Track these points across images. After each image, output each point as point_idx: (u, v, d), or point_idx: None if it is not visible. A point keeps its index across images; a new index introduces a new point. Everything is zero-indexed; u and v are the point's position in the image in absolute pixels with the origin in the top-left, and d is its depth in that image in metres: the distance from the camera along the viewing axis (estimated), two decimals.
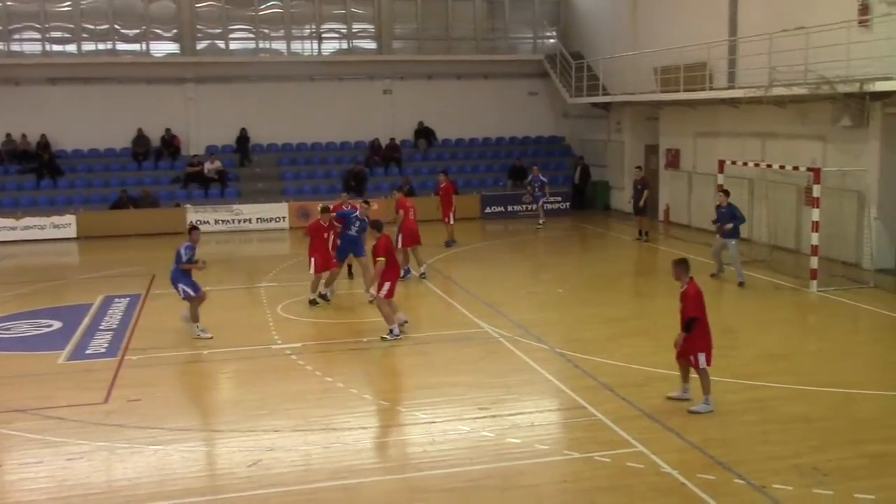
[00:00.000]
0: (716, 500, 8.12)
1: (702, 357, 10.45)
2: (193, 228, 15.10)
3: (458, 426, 10.36)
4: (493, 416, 10.58)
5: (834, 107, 19.11)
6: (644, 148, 29.70)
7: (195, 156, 30.61)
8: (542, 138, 34.36)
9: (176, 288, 14.64)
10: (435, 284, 18.69)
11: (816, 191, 17.07)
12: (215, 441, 10.24)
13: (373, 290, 14.24)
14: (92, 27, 31.48)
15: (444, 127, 33.44)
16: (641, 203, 23.96)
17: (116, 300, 17.55)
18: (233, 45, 32.79)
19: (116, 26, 31.53)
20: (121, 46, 31.76)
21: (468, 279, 19.42)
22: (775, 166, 19.43)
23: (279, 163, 31.96)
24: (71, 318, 15.98)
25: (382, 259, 13.76)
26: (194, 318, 14.54)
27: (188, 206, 28.31)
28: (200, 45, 32.35)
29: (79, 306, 17.07)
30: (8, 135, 29.88)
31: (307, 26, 33.30)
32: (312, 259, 16.71)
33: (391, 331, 14.02)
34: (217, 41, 32.54)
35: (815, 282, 17.14)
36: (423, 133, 33.20)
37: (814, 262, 17.22)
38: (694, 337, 10.41)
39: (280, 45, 33.18)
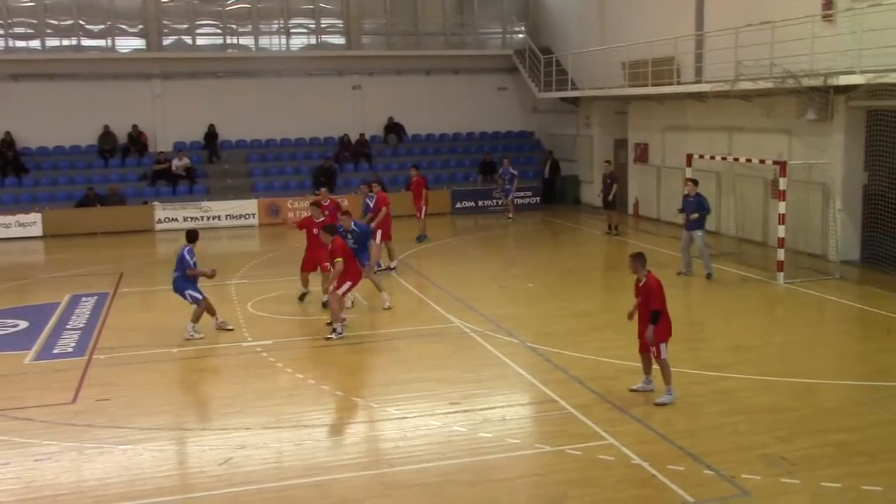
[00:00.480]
0: (686, 491, 8.21)
1: (663, 347, 10.58)
2: (194, 232, 14.90)
3: (430, 421, 10.38)
4: (465, 411, 10.60)
5: (799, 101, 19.35)
6: (613, 142, 29.88)
7: (162, 153, 30.32)
8: (512, 133, 34.45)
9: (183, 295, 14.39)
10: (406, 280, 18.68)
11: (783, 184, 17.27)
12: (186, 440, 10.18)
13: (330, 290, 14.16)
14: (56, 22, 31.07)
15: (414, 122, 33.40)
16: (611, 197, 24.12)
17: (84, 299, 17.36)
18: (200, 41, 32.51)
19: (81, 21, 31.14)
20: (86, 42, 31.38)
21: (439, 274, 19.44)
22: (742, 160, 19.63)
23: (248, 159, 31.77)
24: (37, 318, 15.78)
25: (341, 260, 13.76)
26: (196, 318, 14.32)
27: (156, 203, 28.06)
28: (167, 41, 32.05)
29: (45, 305, 16.87)
30: None
31: (275, 21, 33.11)
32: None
33: (335, 330, 13.97)
34: (184, 37, 32.26)
35: (781, 274, 17.36)
36: (393, 129, 33.15)
37: (780, 255, 17.43)
38: (655, 328, 10.52)
39: (248, 41, 32.96)
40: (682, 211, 18.34)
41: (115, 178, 29.56)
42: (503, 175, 28.24)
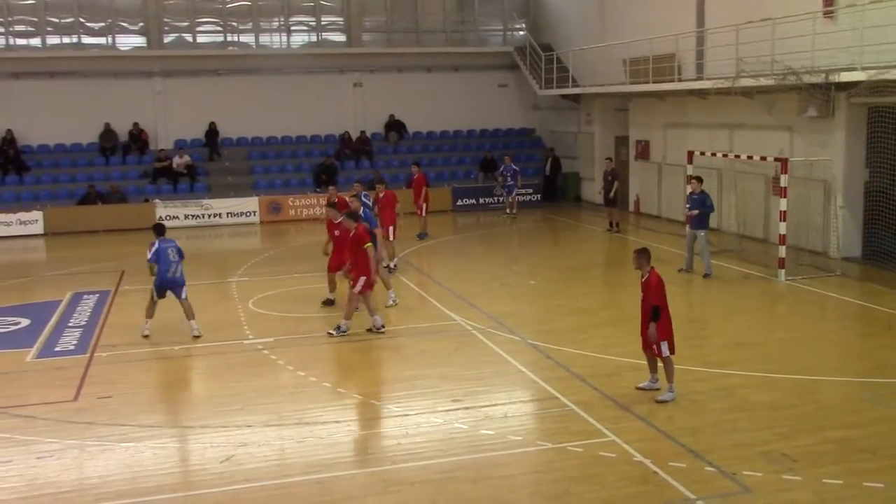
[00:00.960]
0: (687, 488, 8.21)
1: (664, 345, 10.57)
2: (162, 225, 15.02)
3: (432, 418, 10.39)
4: (467, 408, 10.61)
5: (800, 97, 19.33)
6: (614, 139, 29.86)
7: (163, 150, 30.33)
8: (513, 130, 34.44)
9: (183, 286, 14.35)
10: (407, 277, 18.68)
11: (784, 181, 17.26)
12: (187, 437, 10.18)
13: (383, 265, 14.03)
14: (57, 20, 31.07)
15: (415, 120, 33.39)
16: (612, 194, 24.11)
17: (85, 297, 17.37)
18: (200, 39, 32.51)
19: (82, 19, 31.14)
20: (86, 40, 31.41)
21: (441, 272, 19.45)
22: (743, 157, 19.62)
23: (249, 157, 31.77)
24: (39, 316, 15.80)
25: (371, 244, 13.68)
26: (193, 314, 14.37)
27: (157, 201, 28.07)
28: (167, 39, 32.06)
29: (47, 303, 16.88)
30: None
31: (275, 19, 33.09)
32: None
33: (338, 326, 13.96)
34: (184, 34, 32.26)
35: (783, 271, 17.35)
36: (394, 126, 33.14)
37: (782, 252, 17.42)
38: (658, 326, 10.52)
39: (248, 38, 32.95)
40: (689, 209, 18.27)
41: (117, 175, 29.57)
42: (505, 172, 28.28)
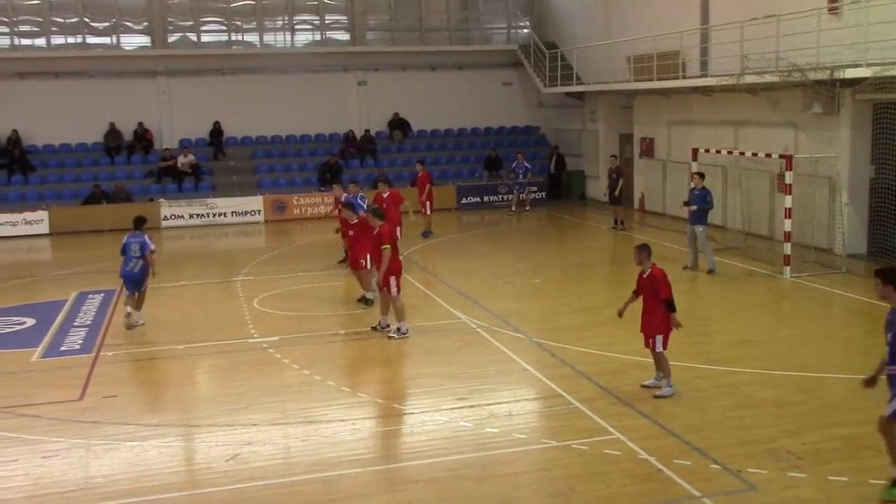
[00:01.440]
0: (692, 486, 8.20)
1: (659, 340, 10.57)
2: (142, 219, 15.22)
3: (437, 416, 10.39)
4: (471, 406, 10.61)
5: (805, 94, 19.28)
6: (619, 137, 29.83)
7: (168, 150, 30.37)
8: (517, 128, 34.42)
9: (137, 284, 14.69)
10: (412, 276, 18.66)
11: (789, 178, 17.22)
12: (193, 436, 10.19)
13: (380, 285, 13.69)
14: (61, 20, 31.14)
15: (419, 118, 33.39)
16: (617, 192, 24.09)
17: (90, 296, 17.41)
18: (205, 38, 32.56)
19: (86, 19, 31.20)
20: (91, 40, 31.47)
21: (445, 270, 19.45)
22: (748, 154, 19.59)
23: (253, 156, 31.80)
24: (45, 315, 15.84)
25: (389, 246, 13.49)
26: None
27: (162, 200, 28.11)
28: (172, 38, 32.11)
29: (52, 303, 16.92)
30: None
31: (279, 18, 33.11)
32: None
33: (399, 328, 13.63)
34: (189, 34, 32.30)
35: (788, 268, 17.32)
36: (398, 124, 33.14)
37: (787, 249, 17.39)
38: (654, 320, 10.52)
39: (252, 38, 32.98)
40: (686, 204, 18.28)
41: (122, 175, 29.63)
42: (517, 169, 28.38)
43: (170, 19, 31.99)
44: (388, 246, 13.47)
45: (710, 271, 17.76)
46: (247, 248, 24.73)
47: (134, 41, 31.90)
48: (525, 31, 34.67)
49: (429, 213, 24.03)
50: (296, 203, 28.54)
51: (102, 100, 30.30)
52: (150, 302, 17.00)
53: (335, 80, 32.62)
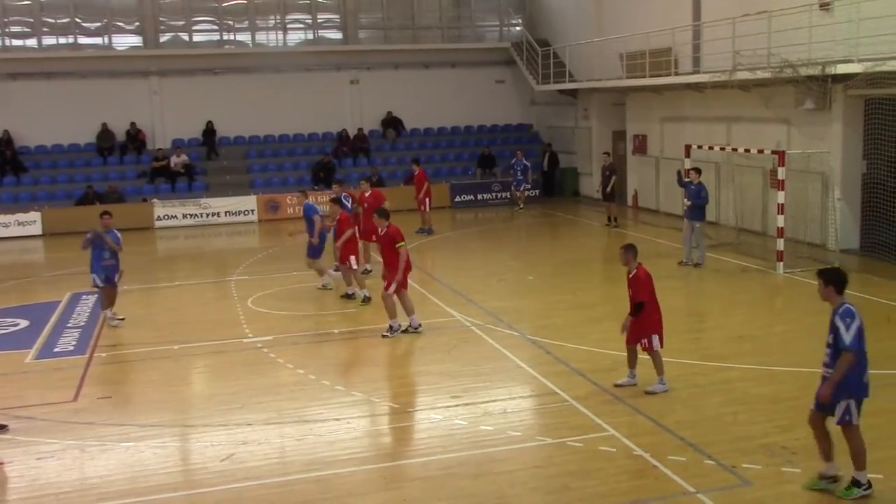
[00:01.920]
0: (687, 482, 8.23)
1: (655, 339, 10.61)
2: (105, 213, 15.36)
3: (431, 415, 10.40)
4: (466, 405, 10.62)
5: (797, 90, 19.32)
6: (611, 134, 29.86)
7: (161, 150, 30.31)
8: (511, 126, 34.43)
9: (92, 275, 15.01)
10: None
11: (781, 173, 17.27)
12: (188, 436, 10.19)
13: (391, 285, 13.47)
14: (52, 21, 31.06)
15: (412, 117, 33.38)
16: (609, 189, 24.13)
17: (84, 297, 17.35)
18: (197, 38, 32.51)
19: (77, 19, 31.13)
20: (82, 40, 31.41)
21: (439, 268, 19.45)
22: (741, 150, 19.64)
23: (247, 155, 31.76)
24: (38, 317, 15.80)
25: (404, 244, 13.36)
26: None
27: (155, 200, 28.06)
28: (164, 38, 32.05)
29: (46, 304, 16.88)
30: None
31: (272, 17, 33.07)
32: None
33: (390, 327, 13.54)
34: (181, 33, 32.24)
35: (781, 264, 17.36)
36: (391, 123, 33.12)
37: (780, 244, 17.43)
38: (647, 320, 10.53)
39: (245, 37, 32.94)
40: (688, 200, 18.30)
41: (114, 175, 29.56)
42: (515, 166, 28.47)
43: (161, 19, 31.92)
44: (404, 243, 13.38)
45: (697, 265, 17.85)
46: (240, 247, 24.70)
47: (126, 41, 31.84)
48: (517, 28, 34.67)
49: (427, 210, 24.05)
50: (289, 202, 28.50)
51: (95, 100, 30.21)
52: (143, 302, 17.00)
53: (328, 79, 32.59)
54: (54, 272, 20.90)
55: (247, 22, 32.74)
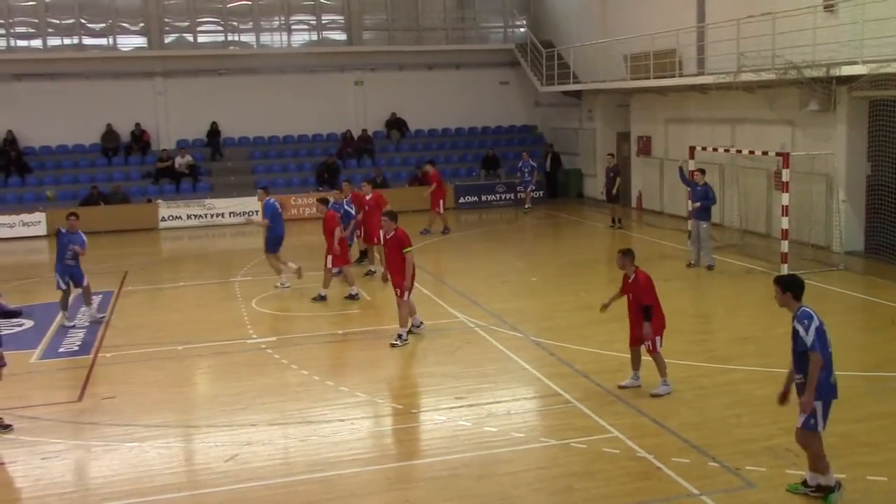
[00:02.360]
0: (691, 484, 8.22)
1: (657, 341, 10.62)
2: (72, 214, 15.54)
3: (435, 416, 10.41)
4: (470, 406, 10.62)
5: (801, 91, 19.29)
6: (616, 135, 29.84)
7: (165, 151, 30.35)
8: (515, 127, 34.43)
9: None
10: None
11: (786, 175, 17.24)
12: (192, 437, 10.21)
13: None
14: (57, 21, 31.12)
15: (417, 118, 33.39)
16: (614, 191, 24.13)
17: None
18: (201, 39, 32.56)
19: (82, 20, 31.19)
20: (87, 41, 31.46)
21: (442, 269, 19.45)
22: (745, 151, 19.62)
23: (251, 156, 31.79)
24: (43, 317, 15.80)
25: (411, 249, 13.19)
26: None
27: (160, 201, 28.10)
28: (168, 39, 32.09)
29: (51, 304, 16.86)
30: None
31: (276, 18, 33.11)
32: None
33: (400, 335, 13.34)
34: (185, 34, 32.29)
35: (785, 265, 17.32)
36: (396, 124, 33.14)
37: (784, 246, 17.40)
38: (650, 324, 10.53)
39: (249, 38, 32.99)
40: (680, 173, 18.30)
41: (119, 176, 29.61)
42: (522, 167, 28.53)
43: (166, 20, 31.96)
44: (412, 249, 13.21)
45: (710, 267, 17.82)
46: (245, 248, 24.69)
47: (130, 42, 31.89)
48: (522, 29, 34.69)
49: (442, 211, 24.23)
50: (293, 203, 28.52)
51: (99, 101, 30.26)
52: (147, 303, 17.03)
53: (332, 80, 32.60)
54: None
55: (251, 23, 32.78)
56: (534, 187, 29.39)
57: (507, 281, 18.25)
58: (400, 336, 13.31)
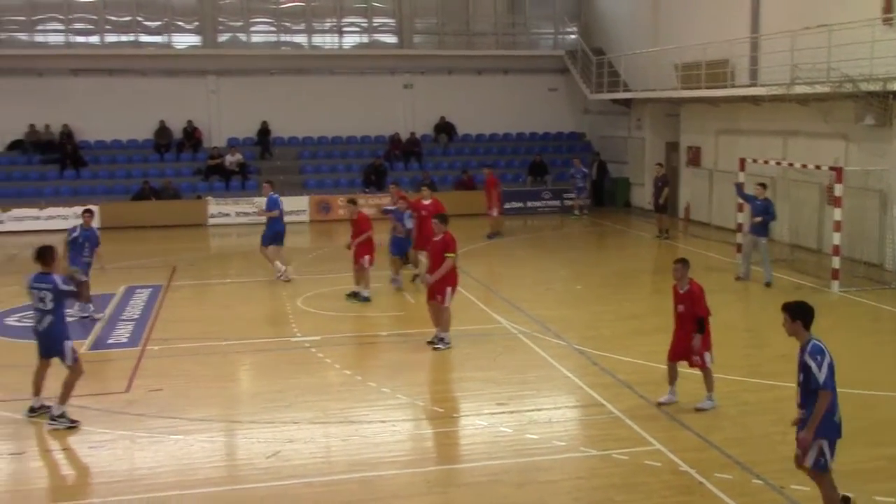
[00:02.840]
0: (733, 500, 8.12)
1: (707, 356, 10.48)
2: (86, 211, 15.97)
3: (477, 421, 10.41)
4: (511, 412, 10.61)
5: (857, 105, 18.96)
6: (665, 145, 29.59)
7: (216, 148, 30.77)
8: (563, 134, 34.31)
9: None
10: None
11: (838, 190, 16.96)
12: (235, 432, 10.33)
13: (428, 278, 13.21)
14: (115, 19, 31.71)
15: (464, 122, 33.44)
16: (661, 200, 23.93)
17: (138, 291, 17.71)
18: (254, 38, 32.97)
19: (139, 18, 31.75)
20: (143, 38, 32.02)
21: (487, 275, 19.43)
22: (797, 165, 19.33)
23: (300, 156, 32.09)
24: (93, 308, 16.10)
25: (454, 255, 13.09)
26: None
27: (209, 198, 28.48)
28: (222, 38, 32.55)
29: (101, 296, 17.19)
30: (31, 125, 30.12)
31: (328, 20, 33.39)
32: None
33: (441, 339, 13.32)
34: (239, 34, 32.71)
35: (836, 282, 17.03)
36: (444, 128, 33.21)
37: (836, 263, 17.11)
38: (701, 337, 10.40)
39: (301, 39, 33.30)
40: (738, 189, 18.04)
41: (170, 172, 30.07)
42: (575, 174, 28.58)
43: (220, 19, 32.42)
44: (454, 255, 13.13)
45: (768, 284, 17.45)
46: (291, 247, 24.84)
47: (185, 40, 32.40)
48: (572, 36, 34.54)
49: (497, 215, 24.39)
50: (340, 204, 28.68)
51: (153, 98, 30.78)
52: (194, 298, 17.27)
53: (382, 83, 32.78)
54: (110, 265, 21.20)
55: (304, 24, 33.10)
56: (586, 194, 29.34)
57: (550, 288, 18.19)
58: (442, 339, 13.33)
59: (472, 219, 24.50)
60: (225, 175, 30.02)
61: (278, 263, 18.34)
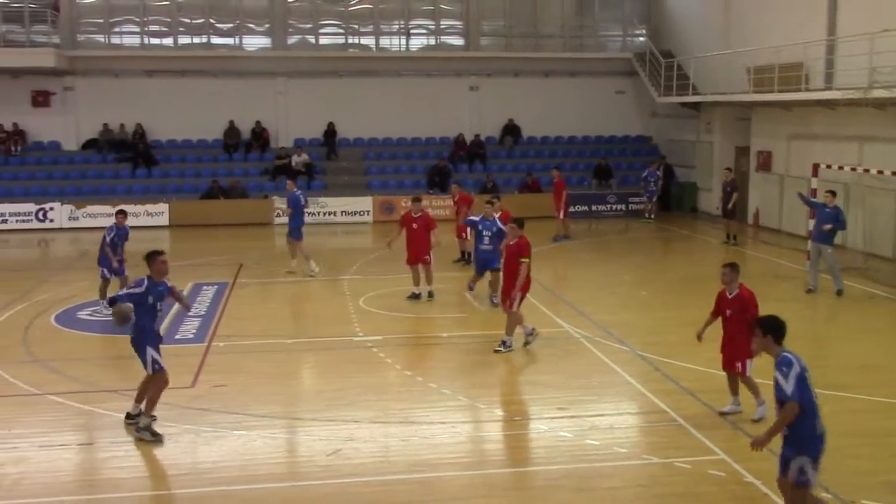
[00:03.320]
0: None
1: (748, 364, 10.19)
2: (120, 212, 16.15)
3: (537, 425, 10.33)
4: (572, 417, 10.50)
5: None
6: (734, 149, 29.01)
7: (283, 148, 31.19)
8: (629, 138, 33.92)
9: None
10: None
11: None
12: (296, 429, 10.44)
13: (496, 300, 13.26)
14: (188, 21, 32.39)
15: (530, 124, 33.27)
16: (730, 206, 23.47)
17: (205, 287, 18.01)
18: (323, 40, 33.31)
19: (212, 20, 32.36)
20: (215, 40, 32.62)
21: (550, 278, 19.28)
22: (873, 171, 18.75)
23: (365, 157, 32.34)
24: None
25: (528, 260, 12.97)
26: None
27: (276, 197, 28.85)
28: (291, 40, 32.97)
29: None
30: (105, 125, 30.97)
31: (395, 22, 33.59)
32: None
33: (504, 342, 13.25)
34: (307, 36, 33.12)
35: None
36: (510, 130, 33.11)
37: None
38: (742, 344, 10.09)
39: (369, 41, 33.55)
40: (802, 198, 17.71)
41: (238, 171, 30.56)
42: (649, 177, 28.43)
43: (290, 21, 32.86)
44: (528, 259, 13.00)
45: (839, 292, 16.90)
46: (355, 247, 25.15)
47: (255, 42, 32.94)
48: (641, 38, 34.12)
49: (564, 218, 24.36)
50: (404, 205, 28.78)
51: (223, 98, 31.33)
52: (259, 296, 17.49)
53: (448, 84, 32.82)
54: (178, 262, 21.59)
55: (371, 26, 33.35)
56: (657, 198, 29.02)
57: (614, 292, 17.98)
58: (504, 342, 13.26)
59: (537, 222, 24.29)
60: (291, 175, 30.33)
61: (294, 262, 19.50)
